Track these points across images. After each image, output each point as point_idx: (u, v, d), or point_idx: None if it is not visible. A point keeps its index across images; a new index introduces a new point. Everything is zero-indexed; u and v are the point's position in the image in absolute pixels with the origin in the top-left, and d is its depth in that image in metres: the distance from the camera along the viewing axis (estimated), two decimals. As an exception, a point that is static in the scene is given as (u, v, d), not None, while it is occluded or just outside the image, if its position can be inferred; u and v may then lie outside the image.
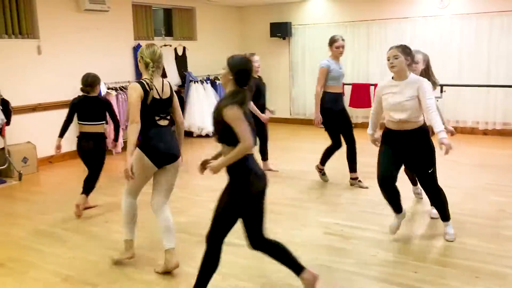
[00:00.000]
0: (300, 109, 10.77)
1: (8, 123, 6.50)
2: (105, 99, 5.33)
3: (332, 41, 5.68)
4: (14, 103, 6.64)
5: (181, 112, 3.83)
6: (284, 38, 10.52)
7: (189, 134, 9.42)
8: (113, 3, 8.16)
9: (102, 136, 5.08)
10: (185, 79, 9.57)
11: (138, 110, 3.43)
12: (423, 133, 3.95)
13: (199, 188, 5.90)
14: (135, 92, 3.44)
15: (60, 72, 7.55)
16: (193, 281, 3.04)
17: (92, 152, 5.01)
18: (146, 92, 3.47)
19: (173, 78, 9.53)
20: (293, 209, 5.07)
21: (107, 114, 5.12)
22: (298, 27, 10.48)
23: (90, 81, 4.98)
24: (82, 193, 4.99)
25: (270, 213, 4.97)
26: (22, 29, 7.10)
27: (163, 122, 3.62)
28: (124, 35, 8.58)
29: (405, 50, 3.82)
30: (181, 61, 9.72)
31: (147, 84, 3.50)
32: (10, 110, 6.51)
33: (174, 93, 3.76)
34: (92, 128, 4.98)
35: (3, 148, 6.62)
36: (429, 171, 3.94)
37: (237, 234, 4.44)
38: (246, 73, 2.89)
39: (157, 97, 3.54)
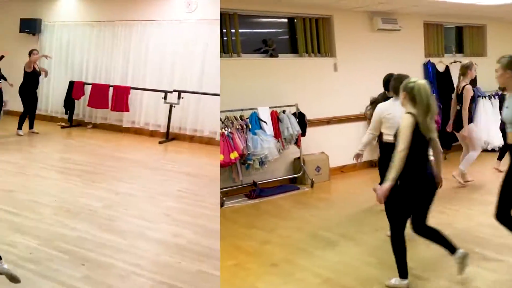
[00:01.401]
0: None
1: (303, 134, 7.14)
2: None
3: None
4: (309, 116, 7.27)
5: None
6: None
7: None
8: (404, 23, 8.33)
9: None
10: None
11: None
12: None
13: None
14: None
15: (354, 88, 7.88)
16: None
17: None
18: None
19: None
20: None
21: None
22: None
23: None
24: None
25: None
26: (321, 49, 7.77)
27: None
28: (414, 52, 8.76)
29: None
30: (469, 77, 9.40)
31: None
32: (305, 123, 7.16)
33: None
34: None
35: (298, 158, 7.30)
36: None
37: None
38: None
39: None
